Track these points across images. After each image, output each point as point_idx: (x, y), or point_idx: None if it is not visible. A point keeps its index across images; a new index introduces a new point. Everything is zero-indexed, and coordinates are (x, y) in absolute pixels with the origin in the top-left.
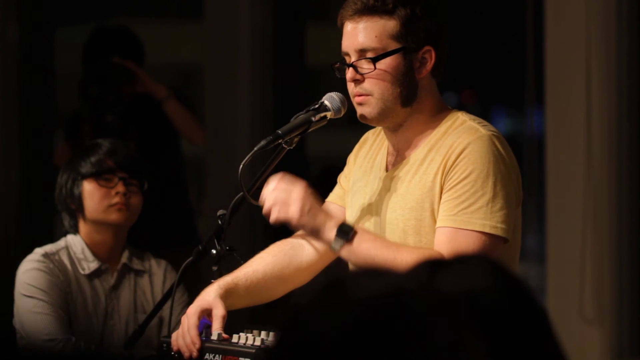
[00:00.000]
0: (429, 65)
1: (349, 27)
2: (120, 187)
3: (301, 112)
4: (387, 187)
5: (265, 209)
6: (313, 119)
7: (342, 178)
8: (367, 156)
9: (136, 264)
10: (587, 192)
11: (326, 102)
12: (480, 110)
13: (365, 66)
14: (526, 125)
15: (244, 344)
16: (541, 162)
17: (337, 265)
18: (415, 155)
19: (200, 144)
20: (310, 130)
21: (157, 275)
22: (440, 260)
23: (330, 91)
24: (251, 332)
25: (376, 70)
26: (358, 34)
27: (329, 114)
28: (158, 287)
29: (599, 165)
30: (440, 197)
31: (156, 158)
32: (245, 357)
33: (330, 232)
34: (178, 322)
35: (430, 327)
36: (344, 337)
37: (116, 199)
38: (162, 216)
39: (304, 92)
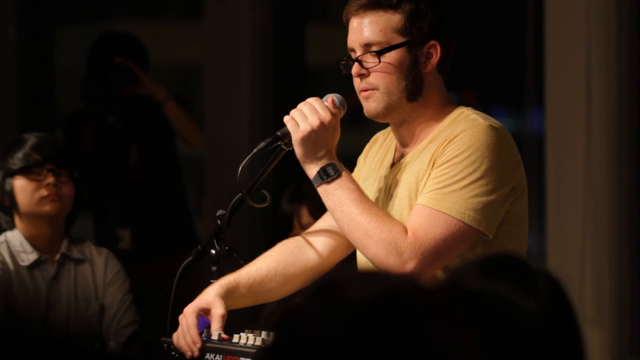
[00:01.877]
0: (435, 59)
1: (354, 23)
2: (49, 179)
3: None
4: (389, 181)
5: (289, 115)
6: None
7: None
8: (377, 155)
9: (75, 253)
10: (587, 192)
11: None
12: (480, 110)
13: (370, 60)
14: (526, 125)
15: (244, 344)
16: (541, 162)
17: (341, 267)
18: (416, 148)
19: (199, 146)
20: None
21: (98, 263)
22: (487, 262)
23: (331, 91)
24: (251, 332)
25: (381, 64)
26: (363, 28)
27: None
28: (100, 274)
29: (599, 165)
30: None
31: (156, 159)
32: (245, 357)
33: (315, 168)
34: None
35: (426, 329)
36: (338, 338)
37: (47, 191)
38: (160, 218)
39: (304, 92)
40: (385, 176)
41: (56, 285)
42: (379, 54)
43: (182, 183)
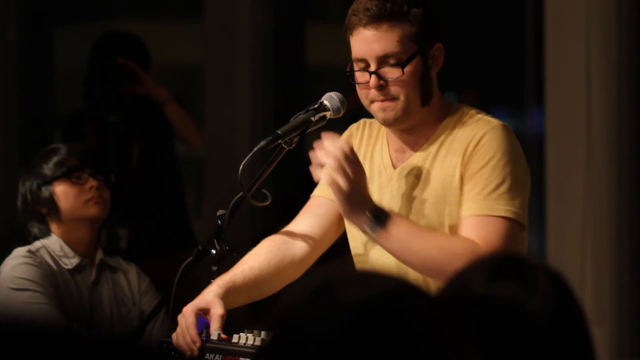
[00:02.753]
0: (440, 61)
1: (366, 34)
2: (92, 182)
3: (301, 112)
4: (399, 185)
5: (321, 164)
6: (312, 119)
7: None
8: (360, 153)
9: (110, 261)
10: (587, 192)
11: (325, 102)
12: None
13: (390, 71)
14: (526, 125)
15: (244, 344)
16: (541, 162)
17: (326, 263)
18: (425, 150)
19: (199, 147)
20: (309, 130)
21: (131, 273)
22: (500, 263)
23: (330, 91)
24: (251, 332)
25: (403, 75)
26: (378, 40)
27: (328, 114)
28: (134, 284)
29: (599, 165)
30: (461, 189)
31: (156, 159)
32: (245, 357)
33: (364, 216)
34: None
35: (422, 331)
36: (333, 339)
37: (91, 194)
38: (157, 217)
39: (304, 92)
40: (388, 178)
41: (97, 290)
42: (403, 66)
43: (181, 183)
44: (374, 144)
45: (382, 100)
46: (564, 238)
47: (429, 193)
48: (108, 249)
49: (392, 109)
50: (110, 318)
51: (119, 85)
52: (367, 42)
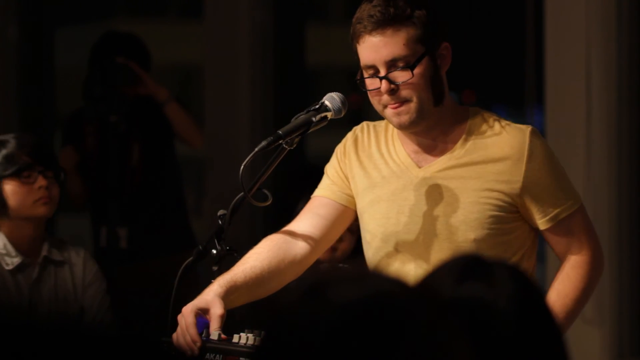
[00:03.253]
0: (448, 60)
1: (373, 41)
2: (41, 181)
3: (301, 113)
4: (428, 185)
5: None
6: (313, 119)
7: (330, 171)
8: (371, 157)
9: (56, 255)
10: (587, 192)
11: (326, 103)
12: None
13: (399, 75)
14: None
15: (244, 344)
16: None
17: (320, 265)
18: (453, 152)
19: (199, 148)
20: (310, 130)
21: (77, 265)
22: (468, 265)
23: (331, 91)
24: (251, 332)
25: (413, 77)
26: (385, 45)
27: (329, 114)
28: (78, 276)
29: (599, 165)
30: (522, 199)
31: (157, 159)
32: (245, 357)
33: None
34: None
35: (414, 330)
36: (326, 340)
37: (40, 194)
38: (157, 217)
39: (304, 92)
40: (417, 177)
41: (38, 288)
42: (412, 68)
43: (181, 183)
44: (387, 146)
45: (395, 105)
46: None
47: (460, 195)
48: (108, 248)
49: (406, 112)
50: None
51: (119, 85)
52: (374, 49)
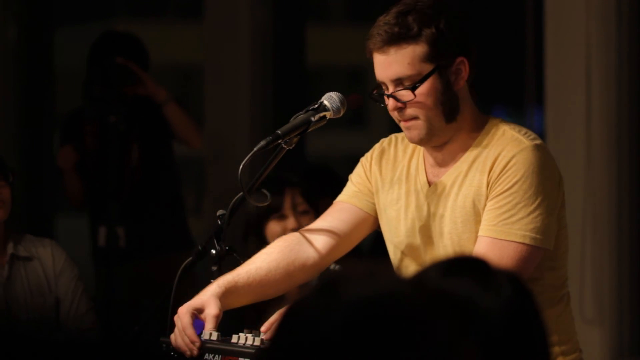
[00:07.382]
0: (465, 75)
1: (379, 59)
2: None
3: (300, 112)
4: (432, 202)
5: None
6: (312, 119)
7: (356, 178)
8: (395, 171)
9: (22, 251)
10: (587, 192)
11: (325, 102)
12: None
13: (404, 94)
14: (526, 125)
15: (244, 344)
16: None
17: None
18: (458, 167)
19: (198, 148)
20: (309, 130)
21: (45, 256)
22: (460, 264)
23: (330, 91)
24: (251, 332)
25: (416, 96)
26: (390, 64)
27: (328, 114)
28: (49, 267)
29: (599, 165)
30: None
31: (156, 159)
32: (245, 357)
33: None
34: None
35: (423, 329)
36: (337, 338)
37: None
38: (154, 217)
39: (303, 92)
40: (427, 196)
41: (11, 287)
42: (413, 89)
43: (179, 183)
44: (409, 161)
45: (405, 120)
46: None
47: (460, 212)
48: (107, 248)
49: (416, 128)
50: (26, 311)
51: (118, 85)
52: (380, 66)
